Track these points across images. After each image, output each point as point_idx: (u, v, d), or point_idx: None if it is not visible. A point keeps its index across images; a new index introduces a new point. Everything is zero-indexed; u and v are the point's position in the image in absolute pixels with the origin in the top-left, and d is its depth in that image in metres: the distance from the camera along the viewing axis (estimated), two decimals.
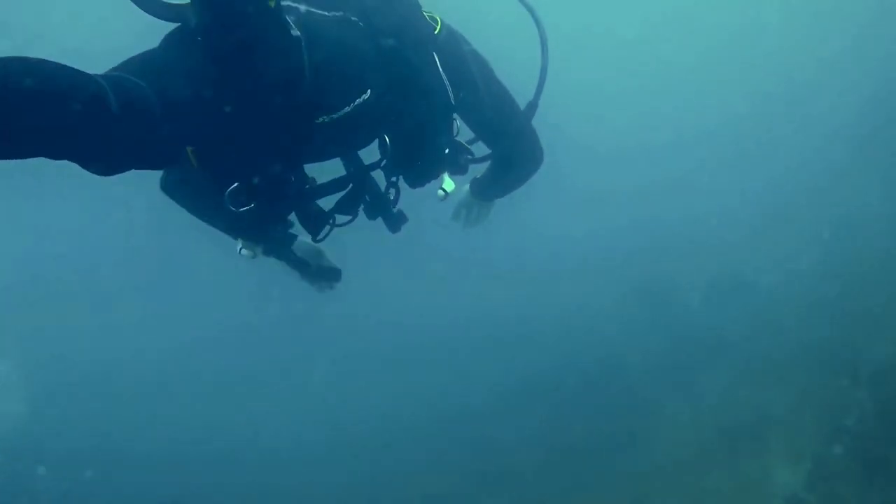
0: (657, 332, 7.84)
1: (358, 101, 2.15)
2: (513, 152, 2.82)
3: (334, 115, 2.10)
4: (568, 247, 10.27)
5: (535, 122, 2.89)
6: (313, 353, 9.68)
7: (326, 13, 2.16)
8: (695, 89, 14.39)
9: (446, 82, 2.41)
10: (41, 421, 9.29)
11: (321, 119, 2.09)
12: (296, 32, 1.96)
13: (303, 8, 2.11)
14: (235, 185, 2.14)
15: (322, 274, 2.69)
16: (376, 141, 2.44)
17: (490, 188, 3.02)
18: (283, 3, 1.98)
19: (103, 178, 1.82)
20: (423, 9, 2.52)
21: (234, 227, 2.50)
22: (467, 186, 3.03)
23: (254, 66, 1.92)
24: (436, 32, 2.46)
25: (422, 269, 9.72)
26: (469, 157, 2.71)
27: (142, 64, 1.93)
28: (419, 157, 2.49)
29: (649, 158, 12.54)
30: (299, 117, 2.07)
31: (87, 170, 1.78)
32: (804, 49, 14.18)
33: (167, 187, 2.53)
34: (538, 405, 7.37)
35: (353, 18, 2.20)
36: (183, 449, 8.33)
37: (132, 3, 1.87)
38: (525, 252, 10.65)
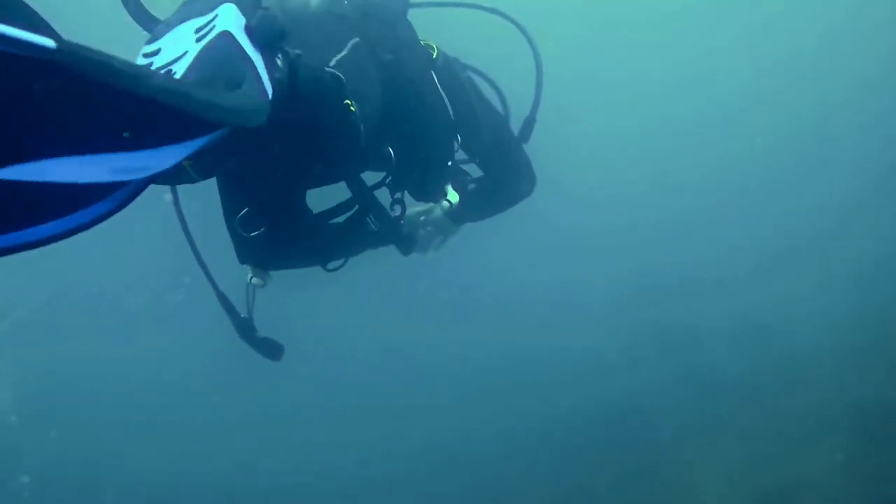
0: (679, 381, 7.44)
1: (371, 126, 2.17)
2: (506, 176, 2.79)
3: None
4: (579, 289, 9.96)
5: (539, 158, 2.87)
6: (312, 391, 9.32)
7: (344, 52, 2.17)
8: (707, 123, 14.03)
9: (446, 100, 2.51)
10: (30, 432, 8.97)
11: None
12: (354, 108, 2.01)
13: (343, 60, 2.12)
14: (246, 209, 2.17)
15: (261, 346, 2.50)
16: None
17: (472, 210, 2.85)
18: (330, 70, 2.03)
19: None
20: (422, 39, 2.63)
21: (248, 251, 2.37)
22: (438, 209, 2.84)
23: (317, 144, 2.01)
24: (434, 56, 2.56)
25: (430, 311, 9.39)
26: (467, 178, 2.77)
27: None
28: (425, 167, 2.52)
29: (660, 195, 12.19)
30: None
31: None
32: (821, 86, 13.84)
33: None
34: (552, 455, 7.00)
35: (351, 44, 2.21)
36: (169, 474, 8.10)
37: None
38: (535, 294, 10.28)
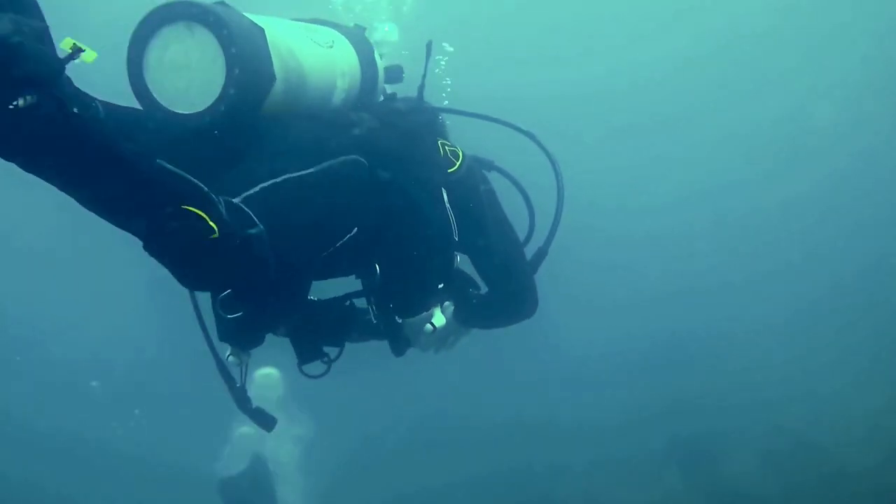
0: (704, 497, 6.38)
1: (342, 241, 2.29)
2: (506, 299, 2.82)
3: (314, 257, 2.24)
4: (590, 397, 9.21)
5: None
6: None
7: (311, 170, 2.18)
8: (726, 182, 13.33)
9: (451, 218, 2.54)
10: None
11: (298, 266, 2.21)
12: (257, 229, 1.96)
13: (279, 179, 2.11)
14: (229, 291, 2.30)
15: (254, 416, 2.63)
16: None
17: (476, 319, 2.92)
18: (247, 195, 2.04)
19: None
20: (449, 145, 2.68)
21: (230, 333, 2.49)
22: (451, 309, 2.90)
23: (219, 275, 1.99)
24: (452, 170, 2.59)
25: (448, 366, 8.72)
26: (475, 290, 2.81)
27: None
28: (410, 289, 2.60)
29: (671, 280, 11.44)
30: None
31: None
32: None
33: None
34: None
35: (339, 160, 2.25)
36: None
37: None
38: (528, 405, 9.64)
